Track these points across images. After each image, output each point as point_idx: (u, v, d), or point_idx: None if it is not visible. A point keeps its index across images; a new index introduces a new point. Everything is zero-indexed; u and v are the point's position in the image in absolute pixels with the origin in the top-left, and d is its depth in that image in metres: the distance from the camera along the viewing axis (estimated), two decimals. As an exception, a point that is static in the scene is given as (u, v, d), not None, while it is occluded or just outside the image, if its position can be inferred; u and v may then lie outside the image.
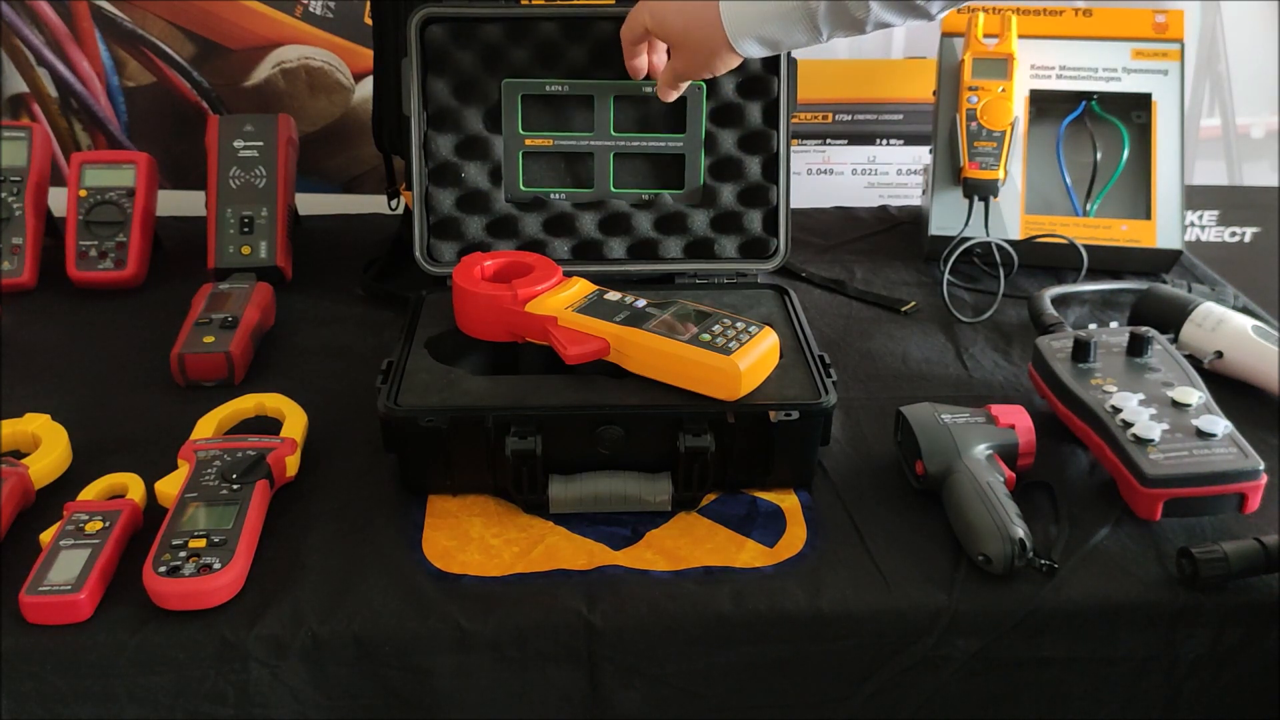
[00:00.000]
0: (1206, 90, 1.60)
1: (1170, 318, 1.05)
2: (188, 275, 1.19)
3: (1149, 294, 1.10)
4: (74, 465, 0.89)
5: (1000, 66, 1.26)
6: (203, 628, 0.74)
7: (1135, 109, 1.30)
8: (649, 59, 1.04)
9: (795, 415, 0.85)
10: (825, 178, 1.57)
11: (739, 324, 0.88)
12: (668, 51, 1.01)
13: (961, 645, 0.77)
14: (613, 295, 0.93)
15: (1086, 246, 1.22)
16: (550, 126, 1.11)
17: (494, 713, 0.77)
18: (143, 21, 1.45)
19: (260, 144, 1.22)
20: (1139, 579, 0.79)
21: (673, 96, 1.03)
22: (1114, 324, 1.00)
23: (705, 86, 1.09)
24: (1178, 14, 1.30)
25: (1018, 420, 0.88)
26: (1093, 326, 0.99)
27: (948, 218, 1.27)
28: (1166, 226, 1.26)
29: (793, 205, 1.12)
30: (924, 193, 1.39)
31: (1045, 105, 1.31)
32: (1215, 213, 1.67)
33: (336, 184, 1.54)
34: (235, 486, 0.82)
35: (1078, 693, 0.80)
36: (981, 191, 1.24)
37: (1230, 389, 0.99)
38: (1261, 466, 0.82)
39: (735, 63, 0.96)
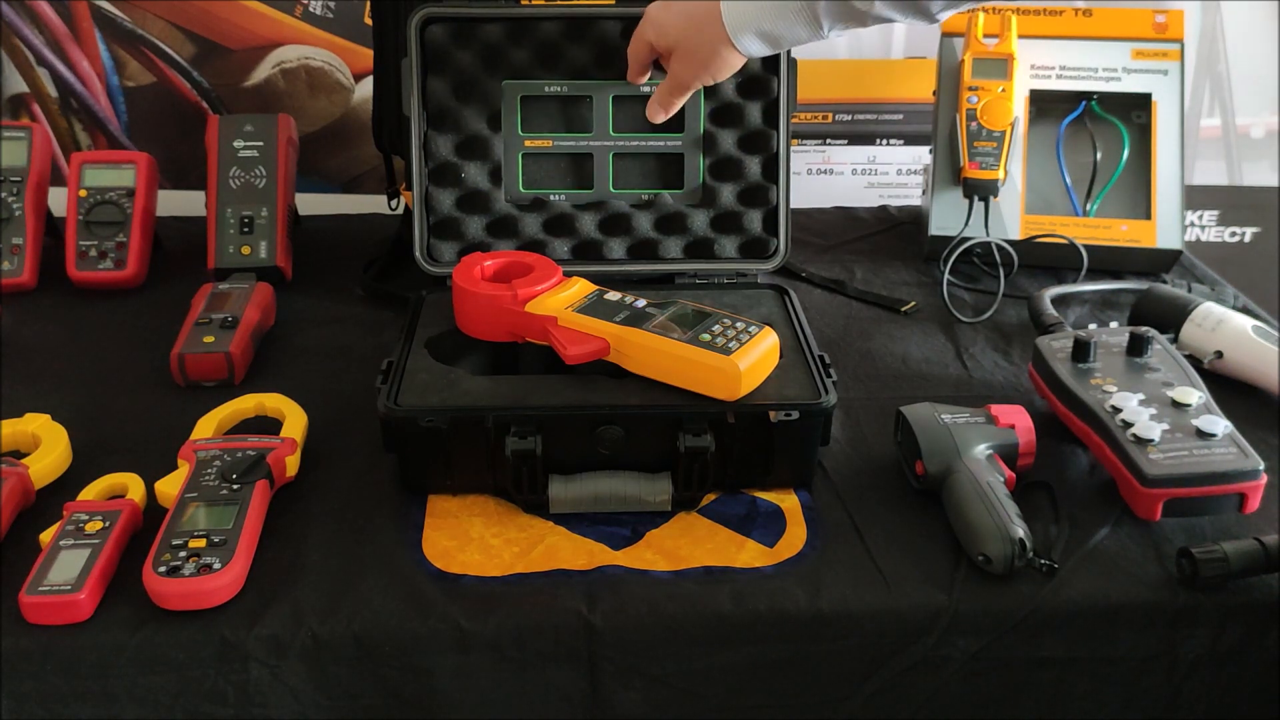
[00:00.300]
0: (1206, 90, 1.60)
1: (1170, 318, 1.05)
2: (188, 275, 1.19)
3: (1149, 294, 1.10)
4: (74, 465, 0.89)
5: (1000, 66, 1.26)
6: (203, 628, 0.74)
7: (1135, 109, 1.30)
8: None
9: (795, 415, 0.85)
10: (825, 178, 1.57)
11: (739, 324, 0.88)
12: (659, 63, 1.00)
13: (961, 645, 0.77)
14: (613, 295, 0.93)
15: (1086, 246, 1.22)
16: (550, 127, 1.11)
17: (494, 713, 0.77)
18: (143, 21, 1.45)
19: (260, 144, 1.22)
20: (1139, 579, 0.79)
21: (662, 118, 1.01)
22: (1114, 324, 1.00)
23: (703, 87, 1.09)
24: (1178, 14, 1.30)
25: (1018, 420, 0.88)
26: (1093, 326, 0.99)
27: (948, 218, 1.27)
28: (1166, 226, 1.26)
29: (793, 205, 1.12)
30: (924, 193, 1.39)
31: (1045, 105, 1.31)
32: (1215, 213, 1.67)
33: (336, 184, 1.54)
34: (235, 486, 0.82)
35: (1078, 693, 0.80)
36: (981, 191, 1.24)
37: (1230, 389, 0.99)
38: (1261, 466, 0.82)
39: (736, 64, 0.96)
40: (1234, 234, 1.68)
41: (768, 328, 0.89)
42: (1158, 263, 1.26)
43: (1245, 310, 1.12)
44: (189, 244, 1.26)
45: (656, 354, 0.86)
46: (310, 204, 1.37)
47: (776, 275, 1.12)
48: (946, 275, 1.21)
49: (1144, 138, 1.29)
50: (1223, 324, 1.03)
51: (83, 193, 1.20)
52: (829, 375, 0.89)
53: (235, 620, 0.74)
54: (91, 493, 0.84)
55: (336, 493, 0.88)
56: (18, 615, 0.74)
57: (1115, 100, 1.30)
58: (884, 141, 1.56)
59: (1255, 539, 0.78)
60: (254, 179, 1.21)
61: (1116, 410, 0.87)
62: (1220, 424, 0.85)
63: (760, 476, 0.89)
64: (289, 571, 0.79)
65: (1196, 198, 1.64)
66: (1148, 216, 1.27)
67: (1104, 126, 1.30)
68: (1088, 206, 1.29)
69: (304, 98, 1.48)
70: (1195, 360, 0.98)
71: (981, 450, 0.86)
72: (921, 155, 1.54)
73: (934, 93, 1.31)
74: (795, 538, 0.84)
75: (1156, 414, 0.87)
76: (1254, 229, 1.68)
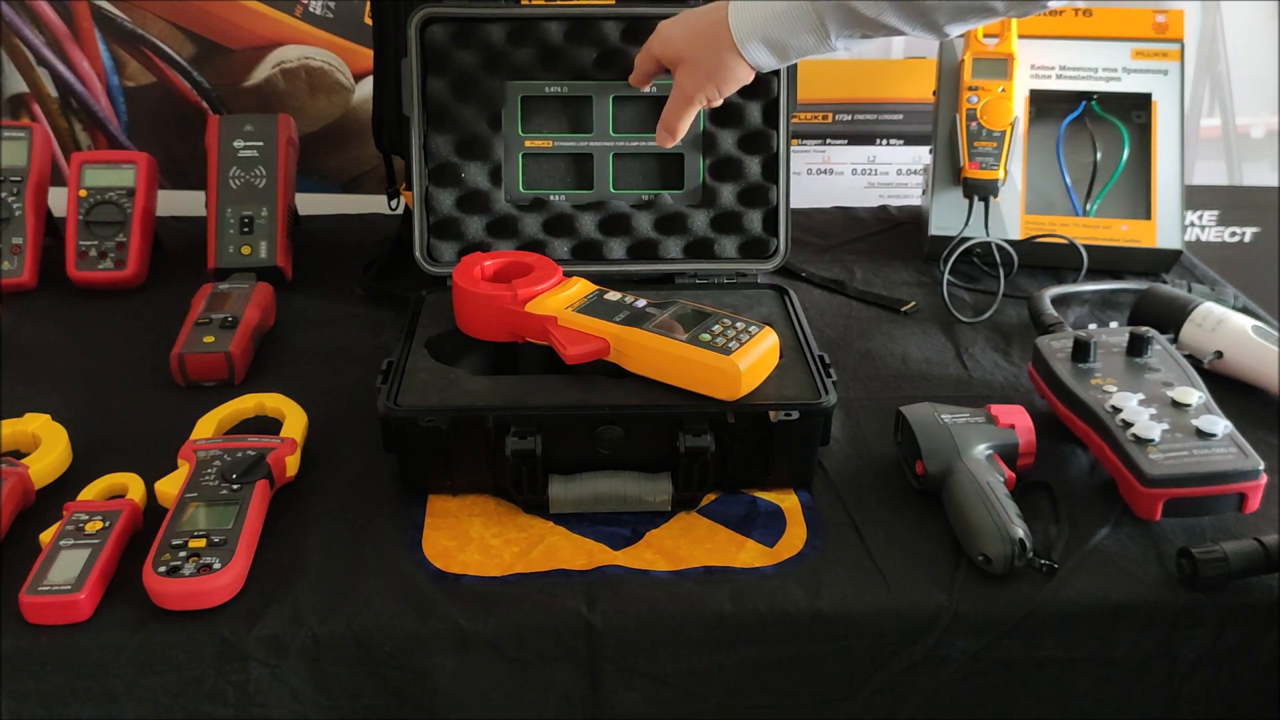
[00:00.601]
0: (1206, 90, 1.60)
1: (1170, 318, 1.05)
2: (188, 275, 1.19)
3: (1149, 294, 1.10)
4: (74, 465, 0.89)
5: (1000, 66, 1.26)
6: (203, 628, 0.74)
7: (1135, 109, 1.30)
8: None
9: (795, 415, 0.85)
10: (825, 178, 1.57)
11: (739, 324, 0.88)
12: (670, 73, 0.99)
13: (961, 645, 0.77)
14: (613, 295, 0.93)
15: (1086, 246, 1.22)
16: (550, 128, 1.11)
17: (494, 713, 0.77)
18: (143, 21, 1.45)
19: (260, 144, 1.22)
20: (1139, 579, 0.79)
21: (671, 142, 1.00)
22: (1114, 324, 1.00)
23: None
24: (1178, 14, 1.30)
25: (1018, 420, 0.88)
26: (1093, 326, 0.99)
27: (948, 218, 1.27)
28: (1166, 226, 1.26)
29: (793, 205, 1.12)
30: (924, 193, 1.39)
31: (1045, 105, 1.31)
32: (1215, 213, 1.67)
33: (336, 184, 1.54)
34: (235, 486, 0.82)
35: (1078, 693, 0.80)
36: (981, 191, 1.24)
37: (1230, 389, 0.99)
38: (1261, 466, 0.82)
39: (742, 76, 0.94)
40: (1234, 234, 1.68)
41: (768, 328, 0.89)
42: (1158, 263, 1.26)
43: (1245, 310, 1.12)
44: (189, 244, 1.26)
45: (656, 354, 0.86)
46: (310, 204, 1.37)
47: (776, 275, 1.12)
48: (946, 275, 1.21)
49: (1144, 138, 1.29)
50: (1223, 324, 1.03)
51: (83, 193, 1.20)
52: (829, 375, 0.89)
53: (235, 620, 0.74)
54: (91, 493, 0.84)
55: (336, 493, 0.88)
56: (18, 615, 0.74)
57: (1115, 100, 1.30)
58: (884, 141, 1.56)
59: (1255, 539, 0.78)
60: (254, 179, 1.21)
61: (1116, 410, 0.87)
62: (1220, 424, 0.85)
63: (760, 476, 0.89)
64: (289, 571, 0.79)
65: (1196, 198, 1.64)
66: (1148, 216, 1.27)
67: (1104, 126, 1.30)
68: (1088, 206, 1.29)
69: (304, 98, 1.48)
70: (1195, 360, 0.98)
71: (981, 450, 0.86)
72: (921, 155, 1.54)
73: (934, 93, 1.31)
74: (795, 538, 0.84)
75: (1156, 414, 0.86)
76: (1254, 229, 1.68)
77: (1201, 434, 0.84)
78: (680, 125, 0.99)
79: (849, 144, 1.56)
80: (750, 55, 0.91)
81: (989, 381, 1.05)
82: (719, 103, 0.97)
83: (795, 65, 1.09)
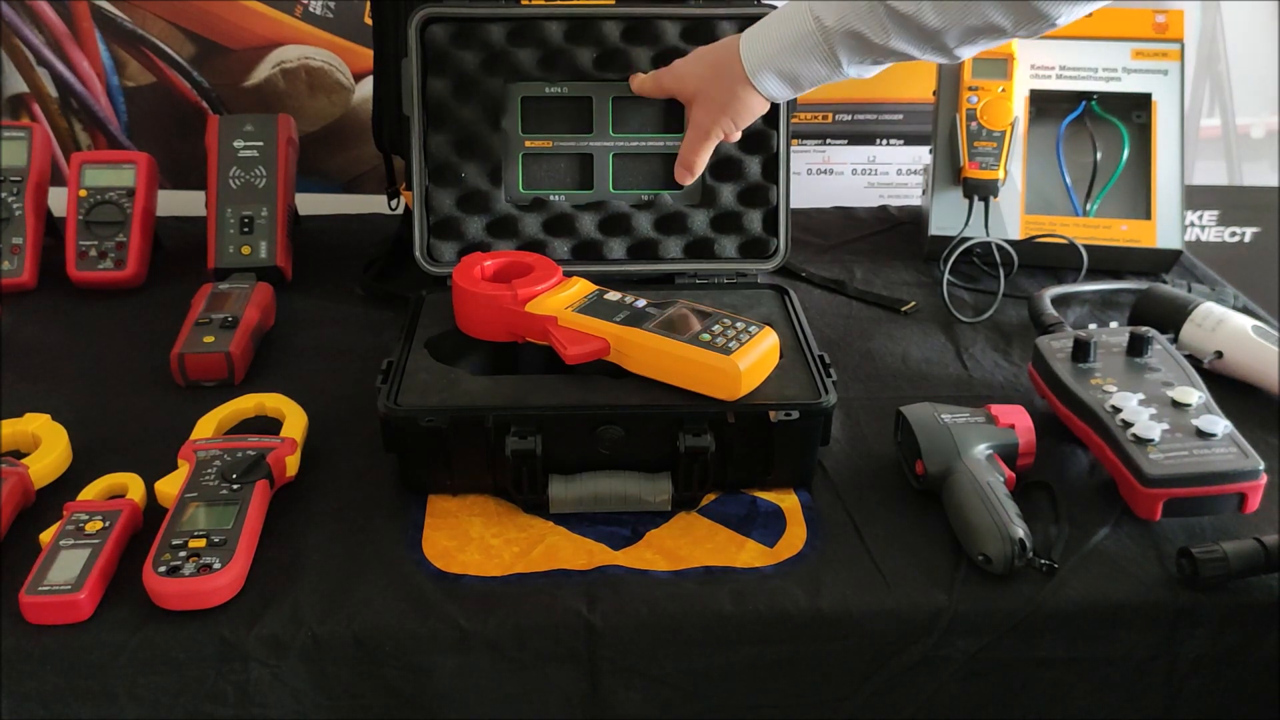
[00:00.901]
0: (1206, 90, 1.60)
1: (1170, 318, 1.05)
2: (188, 275, 1.19)
3: (1149, 294, 1.10)
4: (74, 465, 0.89)
5: (1000, 66, 1.26)
6: (203, 628, 0.74)
7: (1135, 109, 1.30)
8: None
9: (795, 415, 0.85)
10: (825, 178, 1.57)
11: (739, 324, 0.88)
12: (686, 116, 0.98)
13: (961, 645, 0.77)
14: (613, 295, 0.93)
15: (1086, 246, 1.22)
16: (550, 128, 1.11)
17: (494, 713, 0.77)
18: (143, 21, 1.45)
19: (260, 144, 1.22)
20: (1139, 579, 0.79)
21: (689, 179, 1.00)
22: (1114, 324, 1.00)
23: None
24: (1178, 14, 1.30)
25: (1018, 420, 0.88)
26: (1093, 326, 0.99)
27: (948, 218, 1.27)
28: (1166, 226, 1.26)
29: (793, 205, 1.12)
30: (924, 193, 1.39)
31: (1045, 105, 1.31)
32: (1215, 213, 1.67)
33: (336, 184, 1.54)
34: (235, 486, 0.82)
35: (1078, 693, 0.80)
36: (981, 191, 1.24)
37: (1230, 389, 0.99)
38: (1261, 466, 0.82)
39: (757, 108, 0.95)
40: (1234, 234, 1.68)
41: (768, 328, 0.89)
42: (1158, 263, 1.26)
43: (1245, 310, 1.12)
44: (189, 244, 1.26)
45: (656, 354, 0.86)
46: (310, 204, 1.37)
47: (776, 275, 1.12)
48: (946, 275, 1.21)
49: (1144, 138, 1.29)
50: (1223, 324, 1.03)
51: (83, 193, 1.20)
52: (829, 375, 0.89)
53: (235, 620, 0.74)
54: (91, 493, 0.84)
55: (336, 493, 0.88)
56: (18, 615, 0.74)
57: (1115, 100, 1.30)
58: (884, 141, 1.56)
59: (1255, 539, 0.78)
60: (254, 179, 1.21)
61: (1116, 410, 0.87)
62: (1220, 424, 0.85)
63: (760, 476, 0.89)
64: (289, 571, 0.79)
65: (1196, 198, 1.64)
66: (1148, 216, 1.27)
67: (1104, 126, 1.30)
68: (1088, 206, 1.29)
69: (304, 98, 1.48)
70: (1195, 360, 0.98)
71: (981, 450, 0.86)
72: (921, 155, 1.54)
73: (934, 93, 1.31)
74: (795, 538, 0.84)
75: (1156, 414, 0.86)
76: (1254, 229, 1.68)
77: (1201, 434, 0.84)
78: (699, 162, 0.99)
79: (849, 144, 1.56)
80: (763, 87, 0.92)
81: (989, 381, 1.05)
82: (737, 136, 0.98)
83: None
